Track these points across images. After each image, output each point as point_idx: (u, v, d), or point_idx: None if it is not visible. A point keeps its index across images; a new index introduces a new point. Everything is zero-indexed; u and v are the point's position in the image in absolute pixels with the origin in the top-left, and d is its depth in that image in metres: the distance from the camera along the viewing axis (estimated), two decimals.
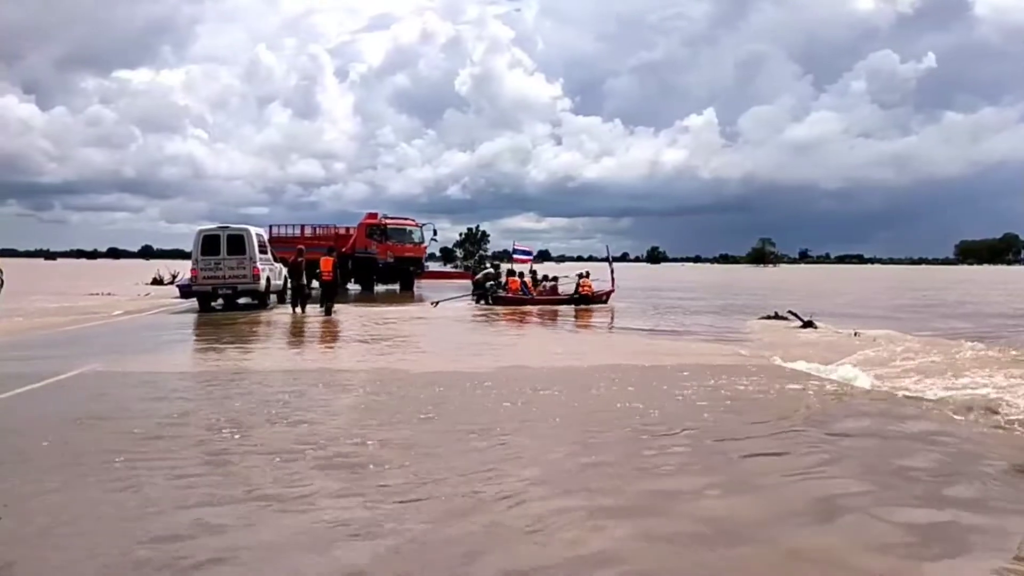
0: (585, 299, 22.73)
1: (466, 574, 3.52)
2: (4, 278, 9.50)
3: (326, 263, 19.32)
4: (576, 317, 19.62)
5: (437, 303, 22.39)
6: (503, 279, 23.85)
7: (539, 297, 22.93)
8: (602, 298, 23.41)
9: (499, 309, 21.22)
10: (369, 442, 5.78)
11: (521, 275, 23.87)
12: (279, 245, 28.56)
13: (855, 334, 14.18)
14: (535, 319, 18.96)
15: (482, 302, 22.90)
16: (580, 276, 23.81)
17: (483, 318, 19.02)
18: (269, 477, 4.89)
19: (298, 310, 18.93)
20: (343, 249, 31.05)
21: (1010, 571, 3.60)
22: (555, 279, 24.04)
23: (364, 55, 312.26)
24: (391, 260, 32.09)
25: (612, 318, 19.53)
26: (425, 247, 34.69)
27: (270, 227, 32.92)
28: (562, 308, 21.65)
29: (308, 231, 33.15)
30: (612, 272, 24.30)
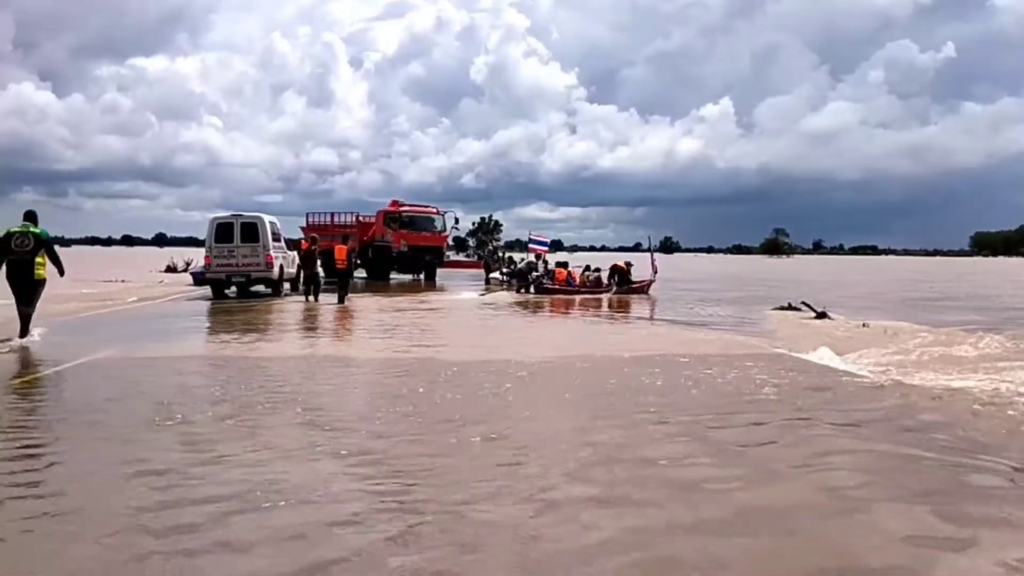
0: (625, 280, 23.20)
1: (479, 559, 3.55)
2: None
3: (340, 251, 19.32)
4: (616, 307, 19.68)
5: (484, 292, 23.14)
6: (547, 268, 24.12)
7: (583, 288, 22.91)
8: (643, 288, 23.63)
9: (545, 298, 21.31)
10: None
11: (565, 264, 24.11)
12: (316, 232, 28.97)
13: (864, 325, 14.08)
14: (579, 308, 19.10)
15: (523, 290, 23.07)
16: (614, 265, 24.13)
17: (523, 308, 19.06)
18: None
19: (311, 299, 19.00)
20: (364, 238, 30.83)
21: None
22: (598, 270, 23.96)
23: (379, 43, 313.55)
24: (405, 249, 31.08)
25: (652, 308, 19.62)
26: (446, 236, 33.37)
27: (307, 215, 33.61)
28: (605, 298, 21.83)
29: (340, 219, 32.70)
30: (653, 262, 24.54)
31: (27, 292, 10.67)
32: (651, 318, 17.56)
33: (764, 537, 3.90)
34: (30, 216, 10.90)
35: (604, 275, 23.73)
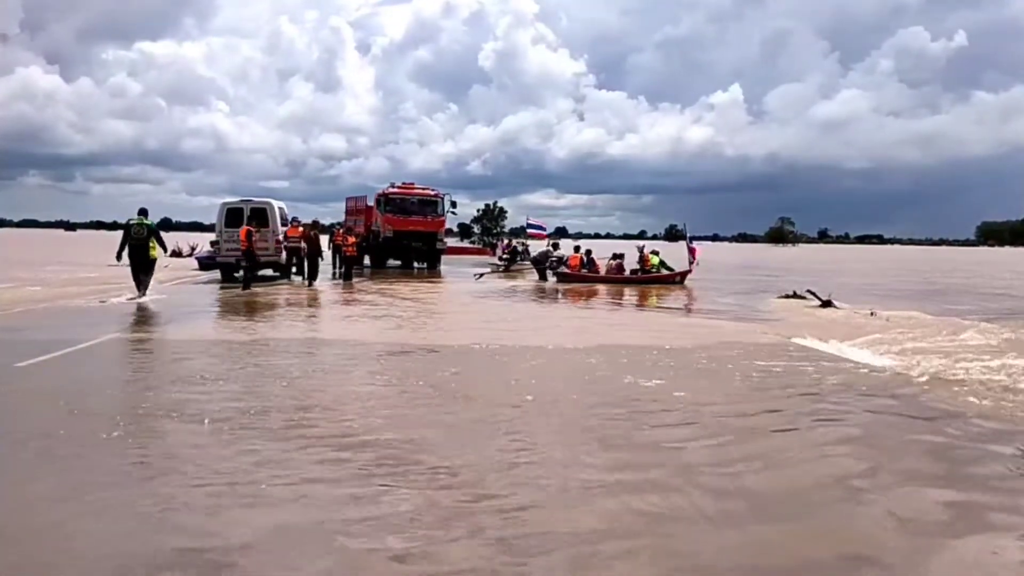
0: (650, 273, 21.89)
1: (500, 539, 3.61)
2: None
3: (349, 237, 19.41)
4: (639, 296, 19.04)
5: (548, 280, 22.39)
6: (564, 256, 23.32)
7: (606, 275, 22.00)
8: (675, 278, 22.12)
9: (561, 286, 20.80)
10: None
11: (588, 252, 22.92)
12: (355, 216, 29.41)
13: (871, 313, 14.05)
14: (602, 298, 18.42)
15: (541, 278, 22.79)
16: (640, 250, 22.88)
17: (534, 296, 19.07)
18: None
19: (315, 283, 19.09)
20: (368, 222, 29.56)
21: None
22: (621, 256, 22.57)
23: (386, 28, 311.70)
24: (389, 235, 27.78)
25: (685, 299, 18.58)
26: (443, 221, 29.69)
27: (347, 199, 33.87)
28: (628, 286, 20.97)
29: (360, 204, 31.95)
30: (691, 252, 22.81)
31: (143, 267, 15.07)
32: (678, 308, 16.88)
33: (772, 524, 3.97)
34: (143, 212, 15.26)
35: (625, 261, 22.44)
